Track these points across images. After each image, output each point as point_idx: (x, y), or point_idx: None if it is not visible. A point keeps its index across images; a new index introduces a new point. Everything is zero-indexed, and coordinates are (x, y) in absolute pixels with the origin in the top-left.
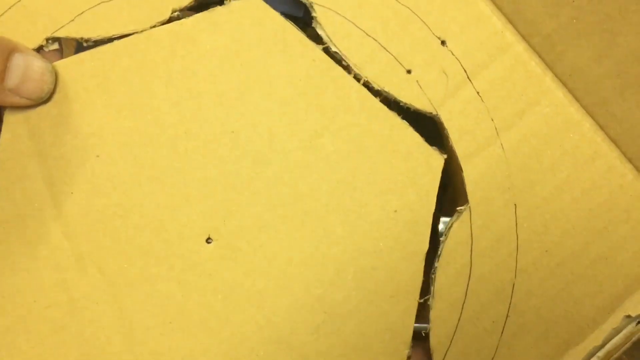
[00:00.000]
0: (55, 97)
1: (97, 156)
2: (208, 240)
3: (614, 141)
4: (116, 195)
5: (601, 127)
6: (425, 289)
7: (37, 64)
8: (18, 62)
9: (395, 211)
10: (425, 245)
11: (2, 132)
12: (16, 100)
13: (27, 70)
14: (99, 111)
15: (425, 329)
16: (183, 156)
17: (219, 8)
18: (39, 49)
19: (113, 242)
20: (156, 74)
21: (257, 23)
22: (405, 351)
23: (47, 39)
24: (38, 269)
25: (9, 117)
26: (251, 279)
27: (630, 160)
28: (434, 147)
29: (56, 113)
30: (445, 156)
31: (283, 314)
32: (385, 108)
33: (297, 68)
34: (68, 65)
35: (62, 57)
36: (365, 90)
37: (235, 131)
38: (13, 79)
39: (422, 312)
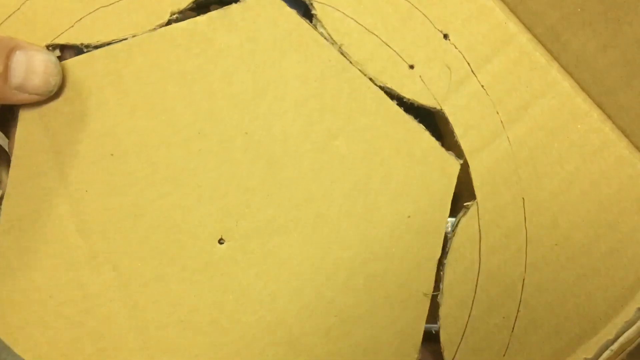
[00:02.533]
0: (68, 94)
1: (112, 155)
2: (220, 241)
3: (622, 131)
4: (130, 195)
5: (609, 117)
6: (434, 286)
7: (39, 57)
8: (19, 59)
9: (409, 217)
10: (437, 253)
11: (17, 129)
12: (25, 97)
13: (30, 66)
14: (113, 110)
15: (435, 328)
16: (196, 157)
17: (234, 6)
18: None
19: (127, 240)
20: (170, 73)
21: (272, 22)
22: (415, 355)
23: (48, 46)
24: (53, 265)
25: (23, 114)
26: (262, 281)
27: (639, 150)
28: (449, 152)
29: (69, 111)
30: (461, 161)
31: (294, 316)
32: (401, 111)
33: (312, 68)
34: (80, 63)
35: None
36: (381, 92)
37: (249, 132)
38: (17, 76)
39: (431, 310)
